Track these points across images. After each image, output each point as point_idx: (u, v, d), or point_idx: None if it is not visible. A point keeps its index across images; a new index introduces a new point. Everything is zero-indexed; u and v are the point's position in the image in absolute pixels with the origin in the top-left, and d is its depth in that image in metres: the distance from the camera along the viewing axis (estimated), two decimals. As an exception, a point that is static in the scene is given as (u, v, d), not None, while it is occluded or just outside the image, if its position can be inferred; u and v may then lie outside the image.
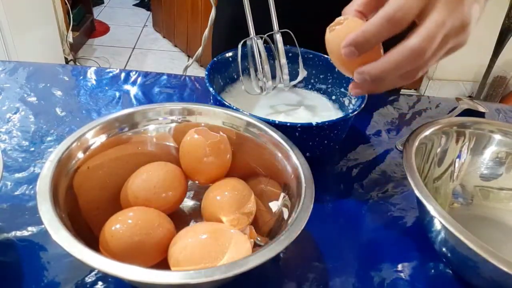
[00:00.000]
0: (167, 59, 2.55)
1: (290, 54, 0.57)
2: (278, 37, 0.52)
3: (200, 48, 0.68)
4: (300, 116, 0.53)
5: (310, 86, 0.59)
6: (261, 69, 0.51)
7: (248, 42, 0.51)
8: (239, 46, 0.51)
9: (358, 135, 0.58)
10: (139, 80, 0.65)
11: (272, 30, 0.52)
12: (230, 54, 0.55)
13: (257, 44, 0.50)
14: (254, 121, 0.41)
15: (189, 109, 0.42)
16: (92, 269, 0.36)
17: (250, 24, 0.49)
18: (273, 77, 0.54)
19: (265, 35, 0.51)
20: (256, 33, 0.50)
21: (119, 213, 0.34)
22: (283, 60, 0.52)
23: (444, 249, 0.38)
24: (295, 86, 0.58)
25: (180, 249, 0.32)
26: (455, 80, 2.36)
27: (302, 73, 0.54)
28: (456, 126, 0.47)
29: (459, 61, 2.26)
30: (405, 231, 0.44)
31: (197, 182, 0.42)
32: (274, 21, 0.51)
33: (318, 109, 0.55)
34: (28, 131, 0.52)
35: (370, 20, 0.33)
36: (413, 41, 0.32)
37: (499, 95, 2.27)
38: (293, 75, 0.57)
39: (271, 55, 0.54)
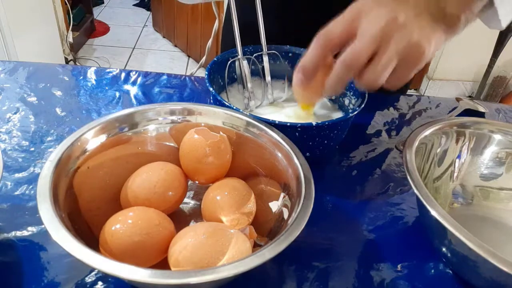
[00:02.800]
0: (167, 59, 2.55)
1: (290, 54, 0.57)
2: (265, 59, 0.56)
3: (204, 58, 0.69)
4: (300, 116, 0.53)
5: (310, 86, 0.59)
6: (247, 88, 0.54)
7: (237, 62, 0.55)
8: (227, 65, 0.54)
9: (358, 135, 0.58)
10: (139, 80, 0.65)
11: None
12: (230, 54, 0.55)
13: (243, 65, 0.53)
14: (254, 121, 0.41)
15: (189, 109, 0.42)
16: (92, 269, 0.36)
17: (238, 45, 0.53)
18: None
19: (253, 55, 0.55)
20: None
21: (119, 213, 0.34)
22: (268, 78, 0.56)
23: (444, 249, 0.38)
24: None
25: (180, 249, 0.32)
26: (455, 80, 2.36)
27: (287, 93, 0.57)
28: (456, 126, 0.47)
29: (459, 61, 2.26)
30: (405, 231, 0.44)
31: (197, 182, 0.42)
32: (263, 41, 0.55)
33: (318, 109, 0.55)
34: (28, 131, 0.52)
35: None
36: (342, 56, 0.38)
37: (499, 95, 2.27)
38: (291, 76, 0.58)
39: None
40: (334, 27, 0.38)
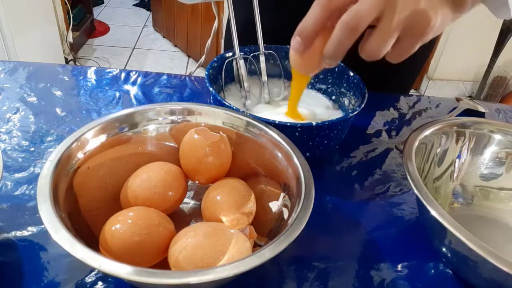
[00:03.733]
0: (167, 59, 2.55)
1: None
2: (262, 59, 0.56)
3: (203, 57, 0.69)
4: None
5: (310, 86, 0.59)
6: (243, 87, 0.54)
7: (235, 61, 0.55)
8: (224, 64, 0.54)
9: (358, 135, 0.58)
10: (139, 80, 0.65)
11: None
12: (230, 54, 0.55)
13: (240, 65, 0.54)
14: (254, 121, 0.41)
15: (189, 109, 0.42)
16: (92, 269, 0.36)
17: (236, 45, 0.53)
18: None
19: (250, 55, 0.55)
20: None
21: (119, 213, 0.34)
22: (264, 78, 0.56)
23: (444, 249, 0.38)
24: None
25: (180, 249, 0.32)
26: (455, 80, 2.36)
27: (283, 93, 0.58)
28: (456, 126, 0.47)
29: (459, 61, 2.26)
30: (405, 231, 0.44)
31: (197, 182, 0.42)
32: (260, 41, 0.55)
33: (318, 109, 0.55)
34: (28, 131, 0.52)
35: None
36: (343, 17, 0.35)
37: (499, 95, 2.27)
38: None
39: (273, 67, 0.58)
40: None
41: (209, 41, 0.68)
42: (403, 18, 0.34)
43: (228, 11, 0.52)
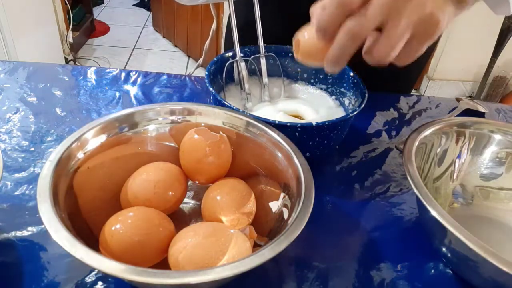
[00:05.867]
0: (167, 59, 2.55)
1: (290, 54, 0.57)
2: (263, 61, 0.56)
3: (201, 58, 0.69)
4: (301, 113, 0.53)
5: (311, 86, 0.59)
6: (244, 89, 0.54)
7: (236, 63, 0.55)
8: (225, 66, 0.54)
9: (358, 135, 0.58)
10: (139, 80, 0.65)
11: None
12: (230, 54, 0.55)
13: (240, 67, 0.54)
14: (254, 121, 0.41)
15: (189, 109, 0.42)
16: (92, 269, 0.36)
17: (237, 47, 0.53)
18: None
19: (251, 57, 0.55)
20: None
21: (119, 213, 0.34)
22: (265, 80, 0.56)
23: (444, 249, 0.38)
24: (295, 82, 0.59)
25: (180, 249, 0.32)
26: (455, 80, 2.36)
27: (284, 94, 0.58)
28: (456, 126, 0.47)
29: (459, 61, 2.26)
30: (405, 231, 0.44)
31: (197, 182, 0.42)
32: (261, 43, 0.55)
33: (320, 106, 0.56)
34: (28, 131, 0.52)
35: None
36: (345, 23, 0.34)
37: (499, 95, 2.27)
38: (293, 75, 0.59)
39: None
40: None
41: (207, 42, 0.69)
42: (411, 23, 0.33)
43: (228, 11, 0.52)
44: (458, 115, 0.63)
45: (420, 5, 0.33)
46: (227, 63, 0.54)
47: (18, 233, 0.39)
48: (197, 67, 0.73)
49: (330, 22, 0.35)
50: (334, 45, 0.35)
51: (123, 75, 0.66)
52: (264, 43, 0.55)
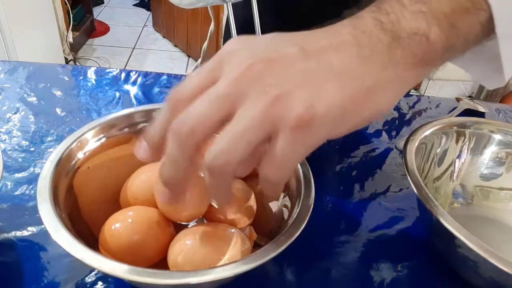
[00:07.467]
0: (167, 59, 2.55)
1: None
2: None
3: (199, 60, 0.69)
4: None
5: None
6: None
7: None
8: None
9: (358, 135, 0.58)
10: (139, 80, 0.65)
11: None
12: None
13: None
14: (254, 121, 0.41)
15: (189, 109, 0.42)
16: (92, 269, 0.36)
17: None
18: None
19: None
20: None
21: (119, 212, 0.34)
22: None
23: (444, 249, 0.38)
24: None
25: (180, 250, 0.32)
26: (455, 80, 2.36)
27: None
28: (456, 126, 0.47)
29: (459, 61, 2.26)
30: (405, 231, 0.44)
31: (197, 182, 0.42)
32: None
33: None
34: (28, 131, 0.52)
35: None
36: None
37: (499, 95, 2.27)
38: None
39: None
40: (189, 82, 0.25)
41: (205, 44, 0.68)
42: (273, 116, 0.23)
43: (227, 12, 0.52)
44: (458, 115, 0.63)
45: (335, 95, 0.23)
46: None
47: (18, 233, 0.39)
48: (195, 68, 0.73)
49: (157, 132, 0.26)
50: (163, 159, 0.25)
51: (123, 75, 0.66)
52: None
